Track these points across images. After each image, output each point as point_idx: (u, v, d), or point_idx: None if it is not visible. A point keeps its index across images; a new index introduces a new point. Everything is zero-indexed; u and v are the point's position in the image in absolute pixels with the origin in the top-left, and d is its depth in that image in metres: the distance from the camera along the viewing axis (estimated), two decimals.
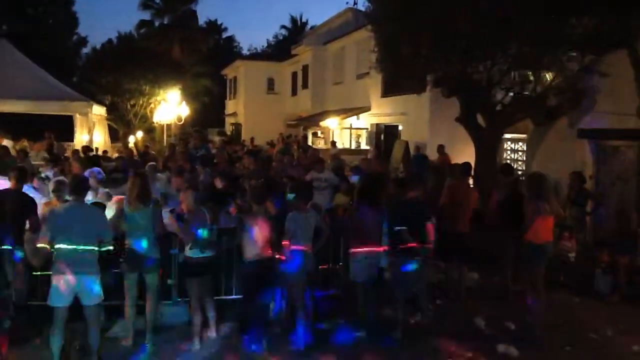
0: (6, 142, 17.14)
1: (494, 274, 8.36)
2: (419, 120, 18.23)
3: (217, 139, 26.07)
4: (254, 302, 6.04)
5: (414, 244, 6.16)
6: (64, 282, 5.16)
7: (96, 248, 5.30)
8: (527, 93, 11.46)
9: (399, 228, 6.22)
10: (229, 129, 38.37)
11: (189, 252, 5.96)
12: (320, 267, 6.93)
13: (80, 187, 5.57)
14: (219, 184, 7.81)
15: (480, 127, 11.89)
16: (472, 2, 9.82)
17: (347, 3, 29.37)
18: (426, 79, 13.33)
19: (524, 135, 13.70)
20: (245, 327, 6.13)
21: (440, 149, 15.08)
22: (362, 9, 22.29)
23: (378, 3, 12.75)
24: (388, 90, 20.61)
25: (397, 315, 6.43)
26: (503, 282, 7.98)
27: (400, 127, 20.48)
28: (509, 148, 15.01)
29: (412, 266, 6.20)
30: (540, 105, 11.44)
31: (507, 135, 13.97)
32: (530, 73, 11.16)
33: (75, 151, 14.21)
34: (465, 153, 12.60)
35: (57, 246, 5.20)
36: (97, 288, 5.30)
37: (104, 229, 5.41)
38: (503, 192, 8.06)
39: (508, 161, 14.54)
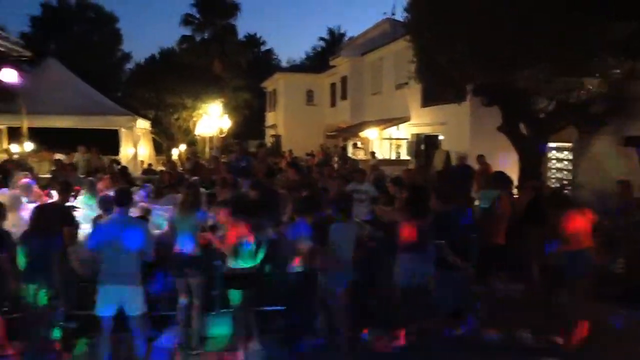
0: (58, 156, 17.78)
1: (534, 285, 8.19)
2: (460, 129, 18.04)
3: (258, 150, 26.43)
4: (297, 313, 6.07)
5: (456, 257, 6.09)
6: (108, 293, 5.32)
7: (139, 260, 5.45)
8: (571, 100, 11.23)
9: (439, 241, 6.16)
10: (269, 140, 38.76)
11: (231, 263, 6.05)
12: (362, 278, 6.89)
13: (124, 199, 5.72)
14: (253, 194, 7.88)
15: (523, 136, 11.69)
16: (513, 9, 9.71)
17: (384, 14, 29.47)
18: (466, 88, 13.21)
19: (569, 144, 13.41)
20: (288, 338, 6.17)
21: (480, 158, 14.86)
22: (400, 19, 22.33)
23: (416, 13, 12.73)
24: (427, 100, 20.48)
25: (439, 327, 6.35)
26: (533, 289, 7.79)
27: (440, 137, 20.31)
28: (554, 157, 14.68)
29: (453, 279, 6.13)
30: (585, 113, 11.18)
31: (551, 144, 13.68)
32: (575, 80, 10.93)
33: (110, 165, 14.50)
34: (507, 163, 12.40)
35: (102, 257, 5.35)
36: (141, 299, 5.44)
37: (146, 241, 5.56)
38: (528, 194, 8.00)
39: (553, 170, 14.24)
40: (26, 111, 14.49)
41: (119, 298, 5.34)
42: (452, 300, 6.34)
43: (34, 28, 43.42)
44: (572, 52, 9.80)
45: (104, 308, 5.35)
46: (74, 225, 6.49)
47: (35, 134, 16.57)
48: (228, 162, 13.50)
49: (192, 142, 31.56)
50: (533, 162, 11.55)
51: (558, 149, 14.44)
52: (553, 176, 14.37)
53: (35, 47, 13.39)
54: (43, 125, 16.77)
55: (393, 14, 27.76)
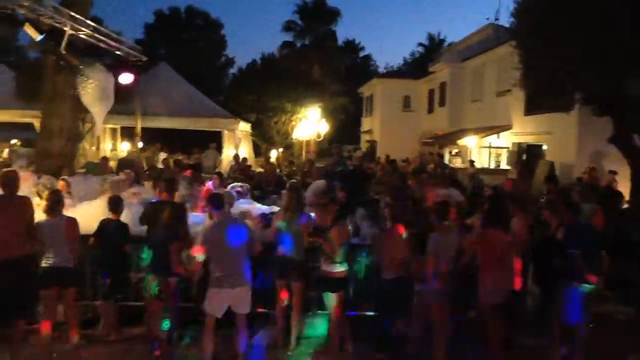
0: (163, 155, 18.83)
1: None
2: (566, 139, 17.23)
3: (353, 155, 26.60)
4: (390, 321, 6.06)
5: (589, 272, 5.81)
6: (218, 294, 5.56)
7: (246, 259, 5.65)
8: None
9: (573, 251, 5.90)
10: (364, 146, 38.84)
11: (327, 266, 6.12)
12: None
13: (218, 202, 5.90)
14: (341, 196, 7.92)
15: (637, 148, 10.99)
16: (629, 12, 9.17)
17: (487, 19, 28.79)
18: (574, 96, 12.58)
19: None
20: (380, 344, 6.16)
21: (592, 171, 14.09)
22: (504, 24, 21.70)
23: (523, 17, 12.30)
24: (531, 108, 19.71)
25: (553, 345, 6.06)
26: None
27: (544, 147, 19.49)
28: None
29: (579, 294, 5.82)
30: None
31: None
32: None
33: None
34: (618, 176, 11.71)
35: (211, 258, 5.59)
36: (249, 298, 5.65)
37: (251, 242, 5.75)
38: None
39: None
40: (140, 112, 15.43)
41: (229, 299, 5.58)
42: (575, 316, 6.00)
43: (147, 35, 46.26)
44: None
45: (213, 307, 5.59)
46: (185, 222, 6.82)
47: (145, 134, 17.64)
48: (325, 167, 13.70)
49: (288, 145, 32.23)
50: None
51: None
52: None
53: (148, 52, 14.17)
54: (153, 125, 17.81)
55: (497, 19, 27.11)
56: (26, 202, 5.79)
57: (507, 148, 22.47)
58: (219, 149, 18.98)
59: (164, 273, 6.02)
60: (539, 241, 6.71)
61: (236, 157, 15.88)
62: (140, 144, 17.41)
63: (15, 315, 5.57)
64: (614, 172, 13.35)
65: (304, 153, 25.96)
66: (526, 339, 6.61)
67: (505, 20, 24.11)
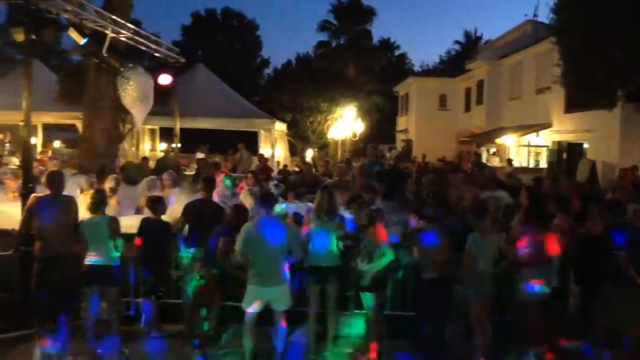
0: (199, 155, 19.12)
1: None
2: (608, 138, 16.80)
3: (388, 154, 26.51)
4: (428, 321, 6.02)
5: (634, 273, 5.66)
6: (257, 292, 5.62)
7: (285, 259, 5.70)
8: None
9: (619, 252, 5.75)
10: (399, 145, 38.61)
11: (364, 265, 6.10)
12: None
13: (269, 201, 5.98)
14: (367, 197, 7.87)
15: None
16: None
17: (525, 15, 28.19)
18: (617, 93, 12.27)
19: None
20: (418, 345, 6.12)
21: (634, 170, 13.71)
22: (544, 20, 21.25)
23: (563, 12, 12.07)
24: (572, 106, 19.27)
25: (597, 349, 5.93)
26: None
27: (585, 145, 19.05)
28: None
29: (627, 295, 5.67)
30: None
31: None
32: None
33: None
34: None
35: (251, 257, 5.64)
36: (288, 296, 5.70)
37: (292, 241, 5.79)
38: None
39: None
40: (179, 113, 15.68)
41: (268, 296, 5.64)
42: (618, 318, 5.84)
43: (184, 36, 46.98)
44: None
45: (252, 304, 5.66)
46: (222, 220, 6.90)
47: (183, 134, 17.92)
48: (361, 166, 13.66)
49: (324, 145, 32.28)
50: None
51: None
52: None
53: (185, 54, 14.39)
54: (191, 126, 18.09)
55: (535, 15, 26.57)
56: (71, 201, 5.97)
57: (547, 147, 22.05)
58: (253, 149, 19.14)
59: (208, 269, 6.10)
60: (581, 241, 6.55)
61: (260, 157, 15.95)
62: (173, 145, 17.68)
63: (60, 311, 5.74)
64: (636, 167, 13.00)
65: (339, 152, 25.97)
66: (568, 343, 6.45)
67: (545, 17, 23.62)
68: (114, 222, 6.06)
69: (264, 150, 19.80)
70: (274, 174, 16.32)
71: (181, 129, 16.70)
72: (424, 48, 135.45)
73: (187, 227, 6.72)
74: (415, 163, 21.85)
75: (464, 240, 5.91)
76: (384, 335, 6.30)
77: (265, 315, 5.77)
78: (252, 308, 5.65)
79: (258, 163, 15.38)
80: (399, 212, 7.73)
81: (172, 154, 16.88)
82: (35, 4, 7.19)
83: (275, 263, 5.64)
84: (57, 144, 23.95)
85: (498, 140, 24.00)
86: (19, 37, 6.98)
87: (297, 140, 31.52)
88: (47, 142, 22.01)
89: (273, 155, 19.19)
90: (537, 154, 23.20)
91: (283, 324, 5.78)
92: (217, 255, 6.01)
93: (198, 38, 45.08)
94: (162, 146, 21.74)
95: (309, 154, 24.29)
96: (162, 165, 13.22)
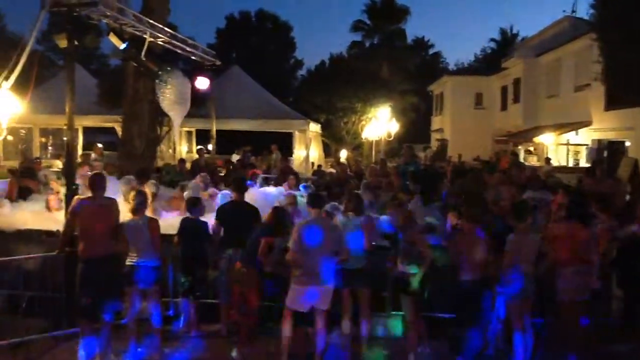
0: (235, 157, 19.29)
1: None
2: None
3: (422, 154, 26.28)
4: (468, 322, 5.95)
5: None
6: (303, 293, 5.69)
7: (332, 260, 5.73)
8: None
9: None
10: (434, 144, 38.29)
11: (402, 267, 6.08)
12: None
13: (318, 203, 6.03)
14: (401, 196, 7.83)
15: None
16: None
17: (563, 11, 27.65)
18: None
19: None
20: (457, 346, 6.06)
21: None
22: (582, 16, 20.85)
23: (603, 8, 11.80)
24: (612, 103, 18.80)
25: None
26: None
27: (627, 143, 18.57)
28: None
29: None
30: None
31: None
32: None
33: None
34: None
35: (299, 257, 5.71)
36: (329, 297, 5.76)
37: (340, 243, 5.83)
38: None
39: None
40: (215, 115, 15.88)
41: (313, 296, 5.70)
42: None
43: (218, 39, 47.49)
44: None
45: (297, 304, 5.73)
46: (257, 220, 6.96)
47: (218, 135, 18.15)
48: (397, 166, 13.60)
49: (358, 146, 32.20)
50: None
51: None
52: None
53: (220, 56, 14.55)
54: (227, 127, 18.31)
55: (574, 11, 26.08)
56: (113, 203, 6.11)
57: (586, 145, 21.57)
58: (288, 151, 19.26)
59: (247, 269, 6.17)
60: (624, 243, 6.41)
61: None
62: (210, 147, 17.94)
63: (103, 311, 5.88)
64: None
65: (373, 153, 25.90)
66: (610, 345, 6.32)
67: (583, 13, 23.17)
68: (154, 223, 6.17)
69: (299, 151, 19.90)
70: (310, 174, 16.37)
71: (217, 131, 16.91)
72: (459, 46, 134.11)
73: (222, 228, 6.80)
74: (450, 163, 21.62)
75: (502, 240, 5.83)
76: (422, 336, 6.27)
77: (305, 315, 5.81)
78: (297, 308, 5.70)
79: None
80: (433, 212, 7.67)
81: (205, 155, 17.09)
82: (78, 11, 7.36)
83: (322, 264, 5.70)
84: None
85: (536, 139, 23.64)
86: (62, 43, 7.17)
87: (331, 140, 31.51)
88: (87, 145, 22.53)
89: (307, 156, 19.27)
90: (576, 152, 22.72)
91: (323, 324, 5.80)
92: (259, 255, 6.06)
93: (232, 40, 45.49)
94: (198, 148, 22.05)
95: (343, 155, 24.25)
96: (197, 167, 13.41)
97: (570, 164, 22.13)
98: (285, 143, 19.98)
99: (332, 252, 5.75)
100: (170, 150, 19.56)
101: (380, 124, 25.14)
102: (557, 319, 6.15)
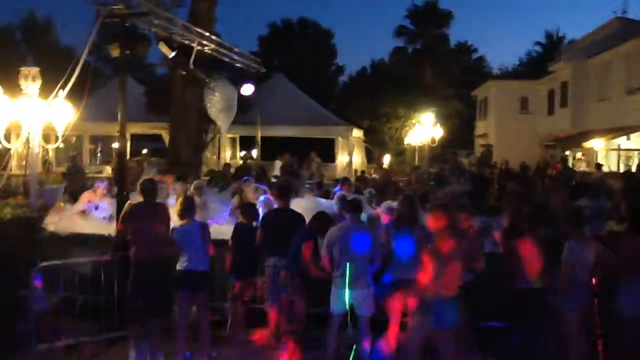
0: (279, 163, 19.41)
1: None
2: None
3: (465, 160, 25.91)
4: (522, 333, 5.80)
5: None
6: (341, 295, 5.68)
7: (369, 264, 5.70)
8: None
9: None
10: (478, 150, 37.70)
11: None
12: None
13: (356, 207, 6.01)
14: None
15: None
16: None
17: (613, 12, 26.90)
18: None
19: None
20: (511, 357, 5.91)
21: None
22: (633, 17, 20.23)
23: None
24: None
25: None
26: None
27: None
28: None
29: None
30: None
31: None
32: None
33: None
34: None
35: (335, 261, 5.70)
36: (371, 301, 5.70)
37: (375, 247, 5.79)
38: None
39: None
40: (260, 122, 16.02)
41: (351, 299, 5.67)
42: None
43: (261, 46, 47.99)
44: None
45: (337, 306, 5.73)
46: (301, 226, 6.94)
47: (262, 142, 18.31)
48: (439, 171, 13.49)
49: (401, 152, 31.97)
50: None
51: None
52: None
53: (263, 64, 14.68)
54: (271, 134, 18.46)
55: (624, 12, 25.32)
56: (164, 208, 6.22)
57: (639, 150, 20.89)
58: (330, 157, 19.28)
59: (292, 275, 6.17)
60: None
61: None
62: (254, 152, 18.09)
63: (153, 315, 5.97)
64: None
65: (416, 158, 25.67)
66: None
67: (635, 14, 22.53)
68: (204, 228, 6.25)
69: (342, 157, 19.90)
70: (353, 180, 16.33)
71: (261, 137, 17.05)
72: (503, 51, 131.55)
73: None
74: (495, 168, 21.25)
75: (558, 249, 5.67)
76: (472, 347, 6.13)
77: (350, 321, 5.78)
78: (337, 311, 5.68)
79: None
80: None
81: (249, 161, 17.24)
82: (129, 22, 7.56)
83: (359, 268, 5.68)
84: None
85: (585, 144, 23.03)
86: (115, 52, 7.37)
87: (375, 146, 31.40)
88: (135, 151, 23.10)
89: (350, 162, 19.24)
90: (628, 158, 22.02)
91: (368, 330, 5.76)
92: (303, 261, 6.05)
93: (274, 47, 45.91)
94: (242, 154, 22.30)
95: (387, 160, 24.12)
96: (243, 172, 13.54)
97: (622, 170, 21.45)
98: (326, 149, 19.99)
99: (368, 257, 5.72)
100: (215, 157, 19.84)
101: (424, 129, 24.90)
102: (615, 334, 5.91)
